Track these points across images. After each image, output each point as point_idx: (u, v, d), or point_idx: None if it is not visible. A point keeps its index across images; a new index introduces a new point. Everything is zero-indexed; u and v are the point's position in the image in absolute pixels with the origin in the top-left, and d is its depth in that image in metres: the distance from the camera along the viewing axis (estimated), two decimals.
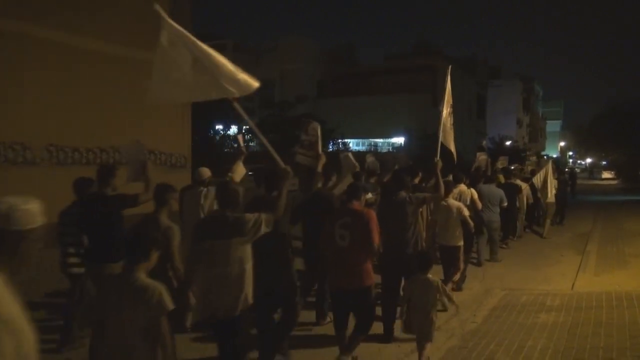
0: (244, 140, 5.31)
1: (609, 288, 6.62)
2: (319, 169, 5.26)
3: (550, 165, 11.44)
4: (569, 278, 7.52)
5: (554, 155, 63.81)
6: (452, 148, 6.15)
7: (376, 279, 4.55)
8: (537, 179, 11.01)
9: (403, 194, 5.13)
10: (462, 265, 6.47)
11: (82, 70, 10.43)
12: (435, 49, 37.92)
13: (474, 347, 4.70)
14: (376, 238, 4.19)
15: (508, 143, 38.50)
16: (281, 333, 4.23)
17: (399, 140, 31.37)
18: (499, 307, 6.07)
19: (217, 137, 24.76)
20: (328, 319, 5.20)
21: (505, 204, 8.80)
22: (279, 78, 33.88)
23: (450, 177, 7.12)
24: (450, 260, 6.27)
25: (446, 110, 6.06)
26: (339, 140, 28.20)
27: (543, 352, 4.43)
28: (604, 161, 48.80)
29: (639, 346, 4.38)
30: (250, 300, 3.44)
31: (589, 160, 64.41)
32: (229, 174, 5.00)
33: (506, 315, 5.75)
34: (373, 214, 4.34)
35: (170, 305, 2.58)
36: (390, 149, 31.07)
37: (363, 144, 33.31)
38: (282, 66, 33.35)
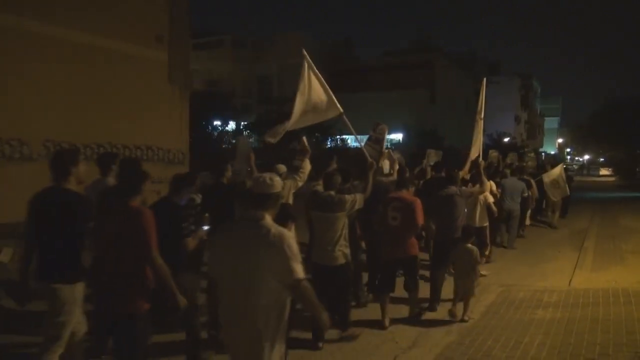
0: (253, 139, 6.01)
1: (606, 284, 6.65)
2: (380, 163, 6.19)
3: (562, 166, 12.43)
4: (566, 274, 7.55)
5: (552, 152, 63.87)
6: (475, 150, 7.58)
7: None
8: (548, 177, 11.65)
9: (453, 188, 6.10)
10: (489, 242, 8.13)
11: (80, 66, 10.38)
12: (434, 45, 37.85)
13: (472, 343, 4.72)
14: (420, 220, 5.38)
15: (506, 139, 38.49)
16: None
17: (397, 136, 31.36)
18: (497, 304, 6.09)
19: (215, 134, 24.71)
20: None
21: (526, 194, 9.92)
22: (277, 73, 33.76)
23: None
24: (479, 239, 7.35)
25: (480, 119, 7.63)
26: (337, 137, 28.16)
27: (540, 348, 4.45)
28: (602, 158, 48.92)
29: (636, 342, 4.40)
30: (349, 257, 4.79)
31: (586, 157, 64.53)
32: (301, 170, 5.90)
33: (503, 311, 5.77)
34: (419, 202, 5.45)
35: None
36: (389, 146, 31.08)
37: (361, 141, 33.27)
38: (280, 62, 33.16)
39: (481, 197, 7.57)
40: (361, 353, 4.61)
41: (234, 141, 26.95)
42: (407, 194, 5.61)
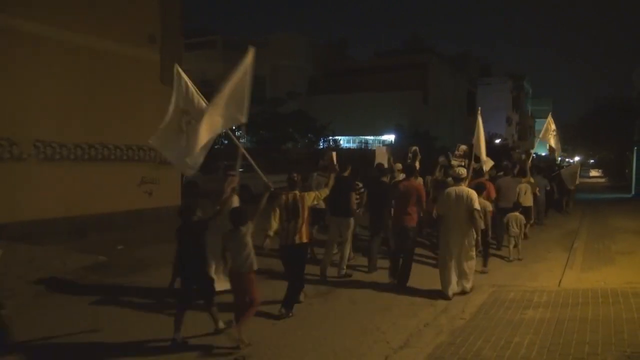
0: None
1: (595, 285, 6.71)
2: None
3: (579, 164, 18.09)
4: (556, 275, 7.60)
5: (543, 154, 64.11)
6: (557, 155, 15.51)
7: None
8: (567, 170, 15.45)
9: (509, 178, 10.09)
10: (532, 219, 10.88)
11: (72, 66, 10.32)
12: (427, 46, 37.98)
13: (462, 343, 4.74)
14: (493, 195, 8.48)
15: (498, 141, 38.68)
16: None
17: (390, 137, 31.43)
18: (487, 304, 6.13)
19: None
20: None
21: (549, 187, 13.54)
22: (270, 74, 33.68)
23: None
24: (527, 214, 9.91)
25: (552, 136, 12.40)
26: (330, 138, 28.16)
27: (530, 348, 4.48)
28: (592, 159, 49.30)
29: (624, 341, 4.44)
30: None
31: (577, 158, 64.99)
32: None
33: (494, 311, 5.81)
34: (490, 184, 8.67)
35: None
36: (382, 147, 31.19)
37: (354, 142, 33.29)
38: (273, 62, 33.07)
39: (530, 186, 10.67)
40: (353, 353, 4.63)
41: (226, 142, 26.89)
42: (485, 180, 8.77)
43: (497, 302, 6.19)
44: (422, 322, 5.49)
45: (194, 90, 5.42)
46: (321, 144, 27.62)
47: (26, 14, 9.49)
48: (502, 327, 5.17)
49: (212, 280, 5.25)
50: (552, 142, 12.61)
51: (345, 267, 7.48)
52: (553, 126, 12.50)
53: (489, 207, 7.98)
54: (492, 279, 7.41)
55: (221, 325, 5.06)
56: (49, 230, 9.33)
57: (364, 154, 22.32)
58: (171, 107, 5.40)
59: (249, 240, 4.78)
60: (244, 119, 5.34)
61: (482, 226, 7.15)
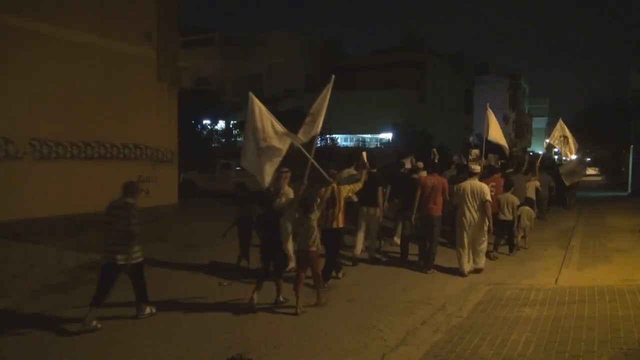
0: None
1: (592, 282, 6.72)
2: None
3: (576, 159, 17.99)
4: (552, 273, 7.63)
5: (540, 152, 64.34)
6: (572, 155, 14.04)
7: None
8: (564, 168, 15.70)
9: (519, 175, 11.27)
10: (535, 210, 10.98)
11: (67, 63, 10.27)
12: (424, 44, 37.93)
13: (459, 341, 4.74)
14: (499, 190, 9.38)
15: None
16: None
17: (387, 136, 31.40)
18: (484, 302, 6.14)
19: (205, 132, 24.52)
20: None
21: (553, 184, 14.72)
22: (267, 72, 33.60)
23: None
24: (531, 208, 10.44)
25: (559, 141, 13.34)
26: (327, 136, 28.10)
27: (526, 346, 4.48)
28: (589, 158, 49.44)
29: (620, 339, 4.45)
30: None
31: (574, 156, 65.15)
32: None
33: (491, 309, 5.82)
34: (500, 180, 9.69)
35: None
36: (379, 145, 31.12)
37: (351, 140, 33.23)
38: (270, 60, 32.97)
39: (534, 183, 11.84)
40: (350, 351, 4.62)
41: (223, 140, 26.83)
42: (498, 178, 9.80)
43: (493, 300, 6.20)
44: (419, 320, 5.49)
45: (267, 113, 6.23)
46: (318, 142, 27.57)
47: (21, 11, 9.43)
48: (498, 325, 5.18)
49: (286, 256, 6.39)
50: (561, 146, 13.82)
51: (375, 252, 8.64)
52: (560, 132, 13.45)
53: (517, 201, 9.21)
54: (488, 277, 7.43)
55: (282, 298, 5.90)
56: (45, 229, 9.29)
57: (361, 154, 22.28)
58: (248, 129, 6.17)
59: (315, 225, 5.89)
60: (318, 131, 6.55)
61: (510, 217, 9.02)
